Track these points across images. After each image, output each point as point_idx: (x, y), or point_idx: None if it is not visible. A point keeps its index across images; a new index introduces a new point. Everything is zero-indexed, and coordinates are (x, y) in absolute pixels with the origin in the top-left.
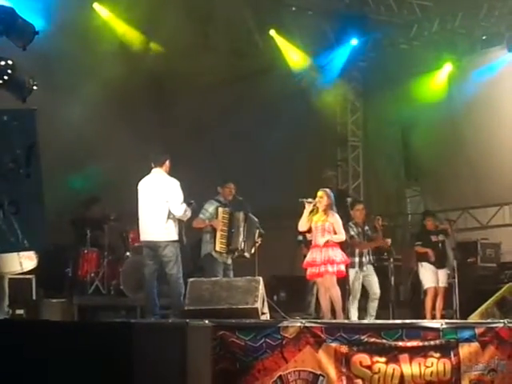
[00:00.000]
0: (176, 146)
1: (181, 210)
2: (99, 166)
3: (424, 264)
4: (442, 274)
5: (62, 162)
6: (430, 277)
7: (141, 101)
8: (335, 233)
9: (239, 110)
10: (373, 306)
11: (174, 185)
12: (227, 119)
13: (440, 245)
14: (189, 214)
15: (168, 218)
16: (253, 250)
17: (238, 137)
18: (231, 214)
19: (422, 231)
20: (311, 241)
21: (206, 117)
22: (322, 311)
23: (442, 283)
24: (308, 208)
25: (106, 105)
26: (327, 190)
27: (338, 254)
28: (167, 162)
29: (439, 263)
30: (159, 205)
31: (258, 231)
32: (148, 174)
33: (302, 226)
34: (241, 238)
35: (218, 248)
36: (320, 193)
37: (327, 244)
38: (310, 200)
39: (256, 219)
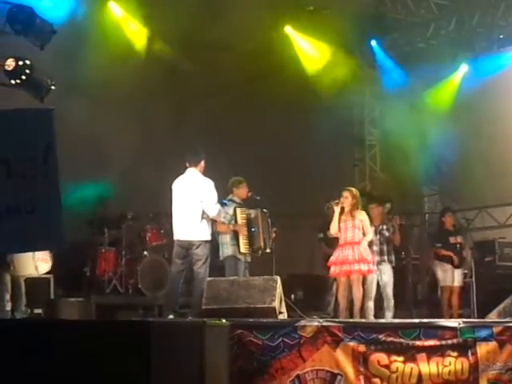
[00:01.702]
0: (190, 145)
1: (215, 210)
2: (115, 165)
3: (441, 263)
4: (458, 273)
5: (78, 162)
6: (446, 275)
7: (155, 100)
8: (363, 230)
9: (254, 108)
10: (387, 304)
11: (209, 185)
12: (243, 118)
13: (458, 246)
14: (223, 214)
15: (202, 217)
16: (272, 244)
17: (253, 136)
18: (249, 214)
19: (440, 231)
20: (332, 239)
21: (220, 116)
22: (339, 310)
23: (458, 282)
24: (337, 209)
25: (120, 105)
26: (352, 189)
27: (369, 253)
28: (202, 162)
29: (456, 263)
30: (193, 205)
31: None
32: (182, 173)
33: (335, 228)
34: (261, 236)
35: (242, 250)
36: (345, 193)
37: (358, 242)
38: (336, 201)
39: (268, 215)
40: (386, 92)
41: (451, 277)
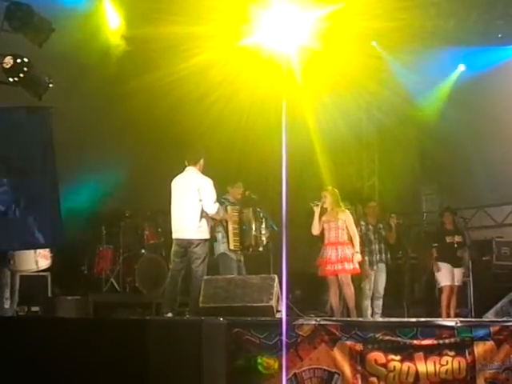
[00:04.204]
0: (188, 144)
1: (214, 208)
2: (112, 164)
3: (440, 263)
4: (458, 272)
5: (75, 161)
6: (446, 275)
7: (153, 100)
8: (347, 230)
9: (253, 106)
10: (377, 304)
11: (208, 183)
12: (240, 117)
13: (455, 245)
14: (221, 213)
15: (201, 216)
16: (264, 243)
17: (253, 134)
18: (241, 212)
19: (439, 230)
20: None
21: (217, 116)
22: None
23: (458, 282)
24: (317, 210)
25: (116, 104)
26: (329, 187)
27: (354, 254)
28: (201, 161)
29: (454, 263)
30: (193, 203)
31: (266, 224)
32: (181, 171)
33: (315, 229)
34: (253, 234)
35: (232, 246)
36: (323, 193)
37: (342, 242)
38: (316, 202)
39: (261, 214)
40: (384, 90)
41: (451, 276)
